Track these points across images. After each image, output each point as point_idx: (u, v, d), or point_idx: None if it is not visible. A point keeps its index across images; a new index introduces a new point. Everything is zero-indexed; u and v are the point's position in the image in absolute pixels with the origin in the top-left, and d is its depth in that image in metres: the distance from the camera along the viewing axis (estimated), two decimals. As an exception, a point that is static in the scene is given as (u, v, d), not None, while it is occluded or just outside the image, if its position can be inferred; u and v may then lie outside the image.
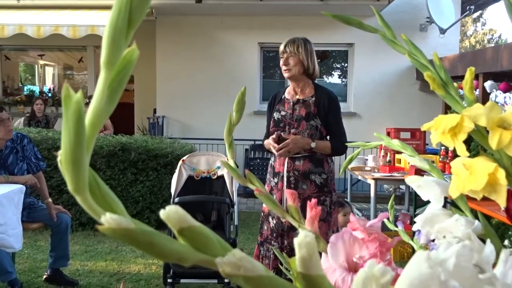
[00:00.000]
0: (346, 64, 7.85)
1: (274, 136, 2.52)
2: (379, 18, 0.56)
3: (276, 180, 2.55)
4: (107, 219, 0.19)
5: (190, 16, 7.44)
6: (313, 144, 2.44)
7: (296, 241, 0.23)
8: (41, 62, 10.20)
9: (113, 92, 0.19)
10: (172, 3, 6.84)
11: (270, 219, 2.54)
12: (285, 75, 2.56)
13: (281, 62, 2.55)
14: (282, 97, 2.64)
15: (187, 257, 0.20)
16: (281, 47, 2.56)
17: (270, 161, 2.65)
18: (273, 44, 7.73)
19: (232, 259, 0.21)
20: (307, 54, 2.52)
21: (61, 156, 0.19)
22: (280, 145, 2.45)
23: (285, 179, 2.49)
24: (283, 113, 2.58)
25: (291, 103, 2.57)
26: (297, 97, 2.58)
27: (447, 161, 3.87)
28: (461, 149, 0.46)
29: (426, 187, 0.61)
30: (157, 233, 0.20)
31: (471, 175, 0.46)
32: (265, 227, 2.58)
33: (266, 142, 2.60)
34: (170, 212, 0.20)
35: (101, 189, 0.20)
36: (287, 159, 2.50)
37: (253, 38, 7.56)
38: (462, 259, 0.26)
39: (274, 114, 2.61)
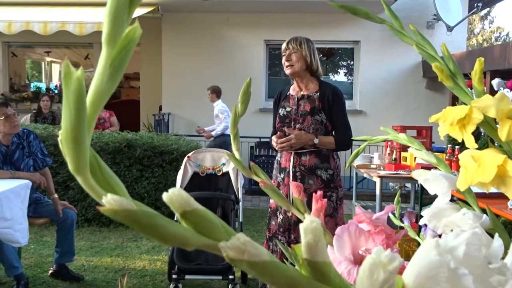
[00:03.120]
0: (352, 62, 7.82)
1: (278, 133, 2.54)
2: (387, 8, 0.55)
3: (282, 175, 2.57)
4: (109, 200, 0.18)
5: (196, 13, 7.43)
6: (316, 140, 2.46)
7: (302, 226, 0.22)
8: (48, 59, 10.25)
9: (114, 70, 0.19)
10: (178, 0, 6.84)
11: (278, 214, 2.56)
12: (288, 71, 2.57)
13: (283, 59, 2.57)
14: (287, 94, 2.67)
15: (190, 241, 0.20)
16: (283, 45, 2.58)
17: (277, 157, 2.67)
18: (279, 42, 7.71)
19: (236, 243, 0.20)
20: (309, 51, 2.54)
21: (62, 135, 0.18)
22: (283, 139, 2.47)
23: (291, 174, 2.51)
24: (288, 109, 2.60)
25: (296, 99, 2.59)
26: (302, 93, 2.60)
27: (454, 159, 3.84)
28: (470, 141, 0.46)
29: (433, 181, 0.61)
30: (159, 215, 0.20)
31: (480, 167, 0.45)
32: (273, 223, 2.60)
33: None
34: (173, 195, 0.20)
35: (102, 170, 0.20)
36: (293, 154, 2.52)
37: (259, 35, 7.55)
38: (472, 247, 0.25)
39: (280, 110, 2.63)
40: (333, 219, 2.48)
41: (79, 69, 0.18)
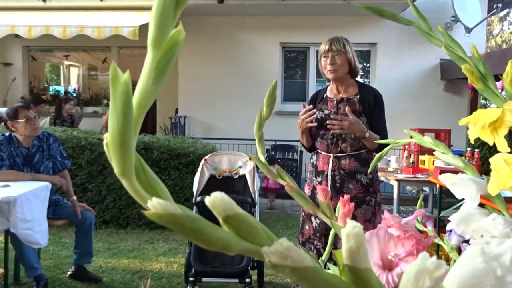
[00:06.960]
0: (368, 64, 7.77)
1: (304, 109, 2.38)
2: (414, 9, 0.54)
3: (319, 179, 2.48)
4: (154, 204, 0.18)
5: (212, 16, 7.47)
6: (367, 134, 2.34)
7: (344, 232, 0.22)
8: (66, 62, 10.39)
9: (160, 73, 0.19)
10: (195, 3, 6.89)
11: (313, 218, 2.49)
12: (331, 76, 2.44)
13: (326, 61, 2.43)
14: (324, 96, 2.57)
15: (232, 246, 0.20)
16: (325, 46, 2.43)
17: (312, 160, 2.57)
18: (294, 44, 7.71)
19: (279, 248, 0.20)
20: (352, 53, 2.44)
21: (108, 139, 0.18)
22: (337, 116, 2.31)
23: (329, 178, 2.43)
24: (326, 111, 2.51)
25: (335, 102, 2.50)
26: (341, 95, 2.50)
27: (473, 162, 3.78)
28: (502, 144, 0.45)
29: (461, 185, 0.59)
30: (203, 220, 0.19)
31: (513, 171, 0.44)
32: (307, 227, 2.53)
33: (303, 120, 2.42)
34: (216, 199, 0.20)
35: (146, 173, 0.20)
36: (332, 157, 2.44)
37: (275, 38, 7.55)
38: (517, 254, 0.24)
39: (317, 113, 2.52)
40: (372, 224, 2.42)
41: (126, 73, 0.18)
